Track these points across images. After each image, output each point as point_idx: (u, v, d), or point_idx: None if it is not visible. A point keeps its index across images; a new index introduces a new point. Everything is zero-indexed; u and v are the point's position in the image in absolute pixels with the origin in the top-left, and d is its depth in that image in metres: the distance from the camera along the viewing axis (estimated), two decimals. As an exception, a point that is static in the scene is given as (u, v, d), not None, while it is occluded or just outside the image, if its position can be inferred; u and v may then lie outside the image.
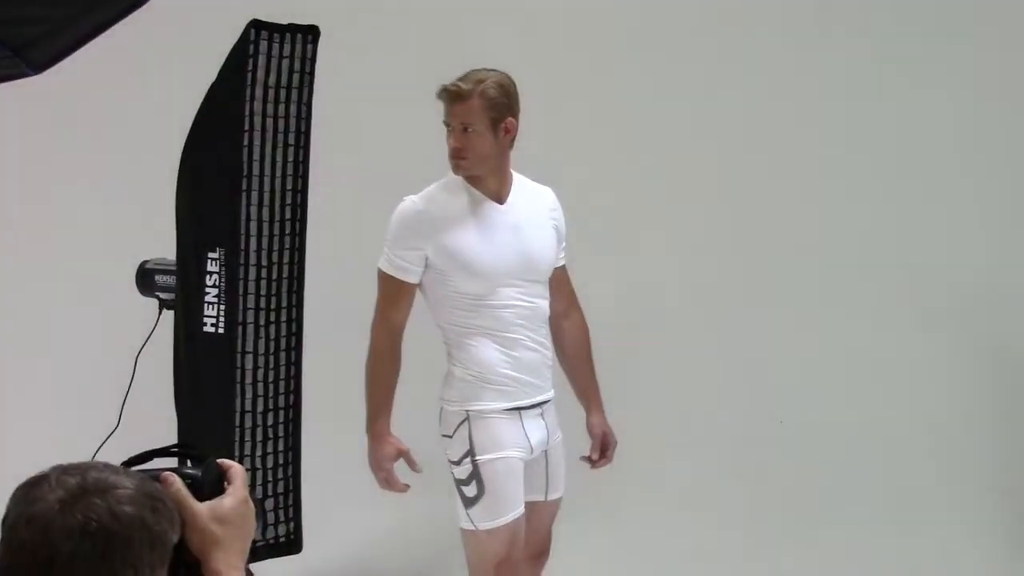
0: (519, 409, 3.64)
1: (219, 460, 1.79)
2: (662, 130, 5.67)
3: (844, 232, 5.59)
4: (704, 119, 5.64)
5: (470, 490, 3.59)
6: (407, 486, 3.72)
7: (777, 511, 5.29)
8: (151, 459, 1.79)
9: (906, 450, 5.36)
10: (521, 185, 3.74)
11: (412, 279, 3.64)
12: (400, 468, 3.70)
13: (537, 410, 3.70)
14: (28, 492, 1.60)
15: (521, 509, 3.61)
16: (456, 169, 3.65)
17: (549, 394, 3.75)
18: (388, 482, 3.69)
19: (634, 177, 5.65)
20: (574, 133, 5.59)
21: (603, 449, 3.93)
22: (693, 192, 5.66)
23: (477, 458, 3.57)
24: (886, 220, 5.56)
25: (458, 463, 3.61)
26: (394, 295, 3.64)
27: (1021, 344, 5.32)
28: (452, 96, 3.59)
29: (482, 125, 3.58)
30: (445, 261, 3.59)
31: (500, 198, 3.67)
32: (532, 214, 3.72)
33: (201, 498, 1.75)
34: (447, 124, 3.64)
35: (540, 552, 3.89)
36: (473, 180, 3.65)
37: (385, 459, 3.67)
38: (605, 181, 5.59)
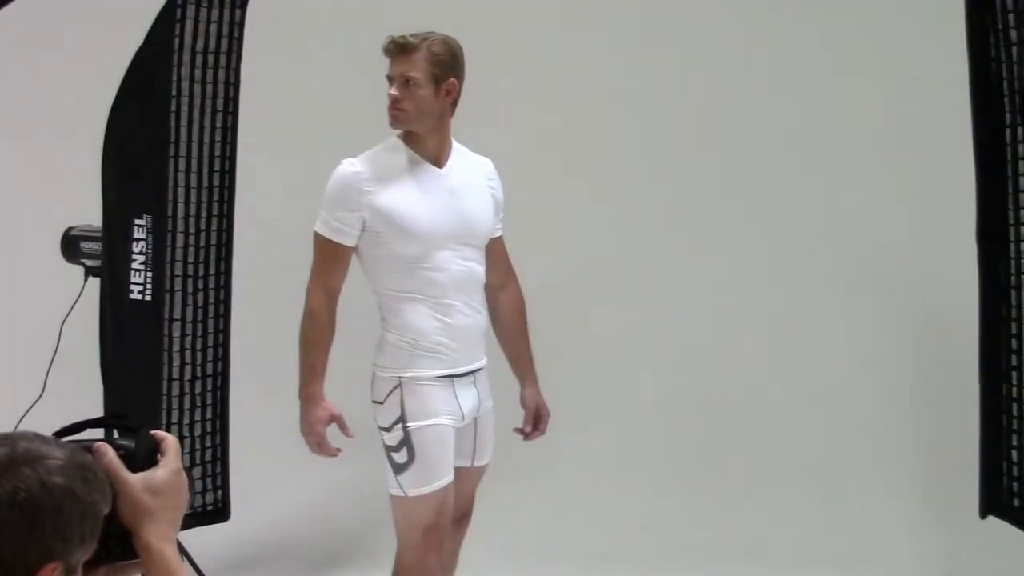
0: (452, 377, 3.63)
1: (152, 431, 1.78)
2: (603, 104, 5.69)
3: (768, 205, 5.61)
4: (646, 94, 5.67)
5: (400, 456, 3.58)
6: (339, 450, 3.69)
7: (704, 479, 5.34)
8: (84, 430, 1.77)
9: (830, 419, 5.43)
10: (460, 152, 3.74)
11: (349, 242, 3.61)
12: (332, 433, 3.67)
13: (470, 378, 3.69)
14: None
15: (450, 476, 3.62)
16: (393, 122, 3.63)
17: (482, 362, 3.74)
18: (320, 446, 3.66)
19: (570, 151, 5.68)
20: (514, 105, 5.60)
21: (536, 421, 3.94)
22: (626, 166, 5.69)
23: (408, 425, 3.56)
24: (810, 193, 5.60)
25: (388, 429, 3.60)
26: (330, 259, 3.62)
27: (942, 312, 5.36)
28: (398, 47, 3.59)
29: (424, 79, 3.57)
30: (381, 223, 3.57)
31: (439, 161, 3.66)
32: (470, 180, 3.72)
33: (134, 470, 1.73)
34: (389, 78, 3.62)
35: (462, 515, 3.88)
36: (412, 142, 3.64)
37: (318, 423, 3.63)
38: (542, 155, 5.60)
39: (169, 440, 1.79)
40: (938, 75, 4.91)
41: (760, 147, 5.61)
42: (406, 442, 3.56)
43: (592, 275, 5.65)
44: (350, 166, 3.59)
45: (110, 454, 1.71)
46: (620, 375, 5.56)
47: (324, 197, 3.62)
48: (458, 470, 3.71)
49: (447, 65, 3.60)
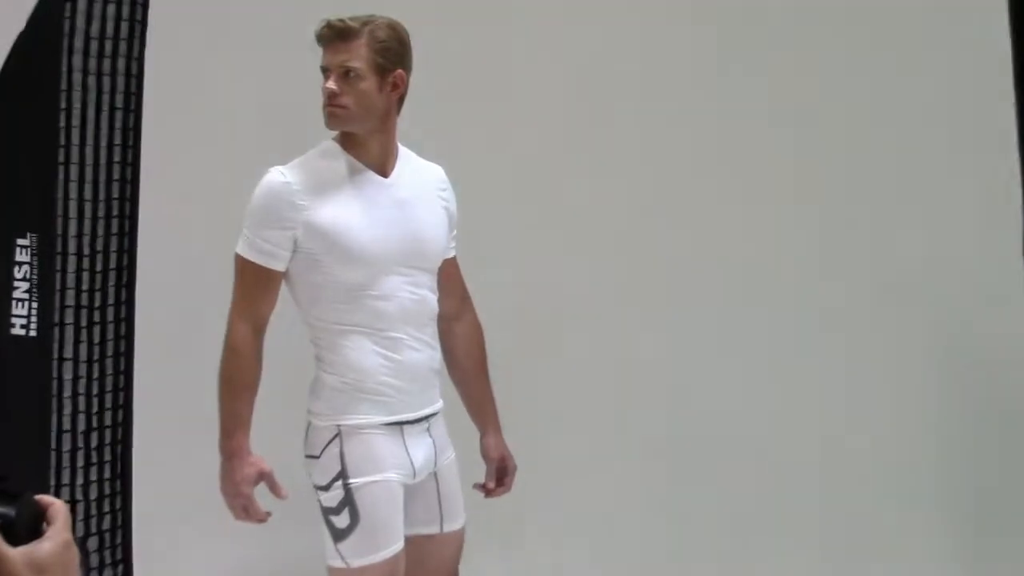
0: (400, 424, 3.41)
1: (37, 496, 1.64)
2: (577, 96, 5.45)
3: (766, 231, 5.40)
4: (613, 112, 5.44)
5: (341, 520, 3.34)
6: (268, 514, 3.45)
7: (704, 537, 5.19)
8: None
9: (847, 465, 5.24)
10: (407, 158, 3.53)
11: (279, 266, 3.39)
12: (259, 493, 3.43)
13: (422, 424, 3.46)
14: None
15: (401, 543, 3.38)
16: (330, 120, 3.39)
17: (437, 406, 3.52)
18: (247, 510, 3.41)
19: (529, 152, 5.44)
20: (465, 102, 5.38)
21: (500, 475, 3.74)
22: (602, 169, 5.44)
23: (350, 481, 3.33)
24: (813, 217, 5.39)
25: (326, 488, 3.36)
26: (256, 285, 3.40)
27: (964, 343, 5.23)
28: (335, 33, 3.36)
29: (367, 70, 3.36)
30: (318, 242, 3.34)
31: (384, 170, 3.45)
32: (420, 190, 3.51)
33: (15, 542, 1.59)
34: (324, 70, 3.39)
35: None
36: (351, 146, 3.42)
37: (244, 483, 3.38)
38: (496, 159, 5.37)
39: (57, 506, 1.65)
40: (979, 78, 4.85)
41: (751, 177, 5.41)
42: (348, 502, 3.35)
43: (564, 296, 5.40)
44: (280, 176, 3.37)
45: None
46: (601, 415, 5.33)
47: (248, 212, 3.41)
48: (427, 540, 3.54)
49: (394, 53, 3.40)
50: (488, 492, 3.73)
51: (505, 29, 5.41)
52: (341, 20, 3.35)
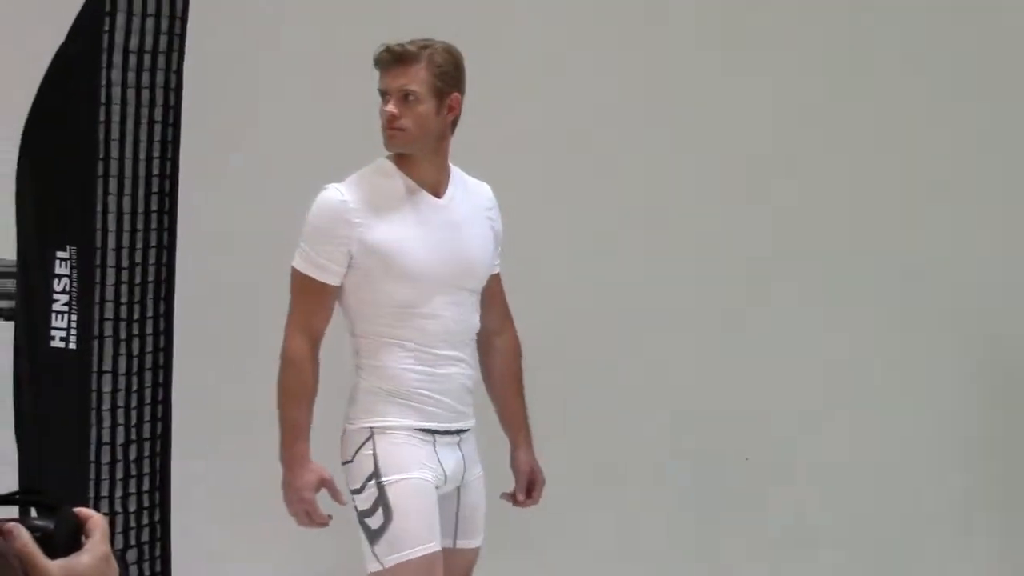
0: (432, 432, 3.45)
1: (76, 509, 1.62)
2: (624, 111, 5.33)
3: (793, 239, 5.28)
4: (671, 102, 5.32)
5: (374, 520, 3.37)
6: (330, 517, 3.51)
7: (729, 545, 5.10)
8: None
9: (889, 490, 5.14)
10: (459, 179, 3.59)
11: (334, 280, 3.46)
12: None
13: (453, 438, 3.49)
14: None
15: (437, 544, 3.39)
16: (390, 142, 3.47)
17: (469, 422, 3.56)
18: (310, 516, 3.47)
19: (575, 169, 5.33)
20: (507, 116, 5.28)
21: (529, 488, 3.76)
22: (649, 186, 5.32)
23: (383, 479, 3.37)
24: (841, 223, 5.26)
25: (360, 490, 3.41)
26: (312, 299, 3.47)
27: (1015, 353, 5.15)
28: (395, 57, 3.43)
29: (426, 94, 3.43)
30: (374, 260, 3.42)
31: (438, 191, 3.52)
32: (471, 212, 3.58)
33: (54, 555, 1.56)
34: (383, 92, 3.46)
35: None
36: (407, 166, 3.48)
37: (306, 488, 3.44)
38: (538, 176, 5.26)
39: (95, 519, 1.62)
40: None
41: (794, 178, 5.29)
42: (381, 501, 3.38)
43: (603, 317, 5.28)
44: (337, 193, 3.45)
45: (24, 537, 1.54)
46: (632, 435, 5.21)
47: (305, 228, 3.50)
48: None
49: (451, 78, 3.48)
50: (516, 502, 3.75)
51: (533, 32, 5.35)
52: (401, 45, 3.41)
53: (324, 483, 3.48)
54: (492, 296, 3.65)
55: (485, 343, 3.65)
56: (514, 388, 3.75)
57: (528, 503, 3.77)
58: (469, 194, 3.60)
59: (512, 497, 3.75)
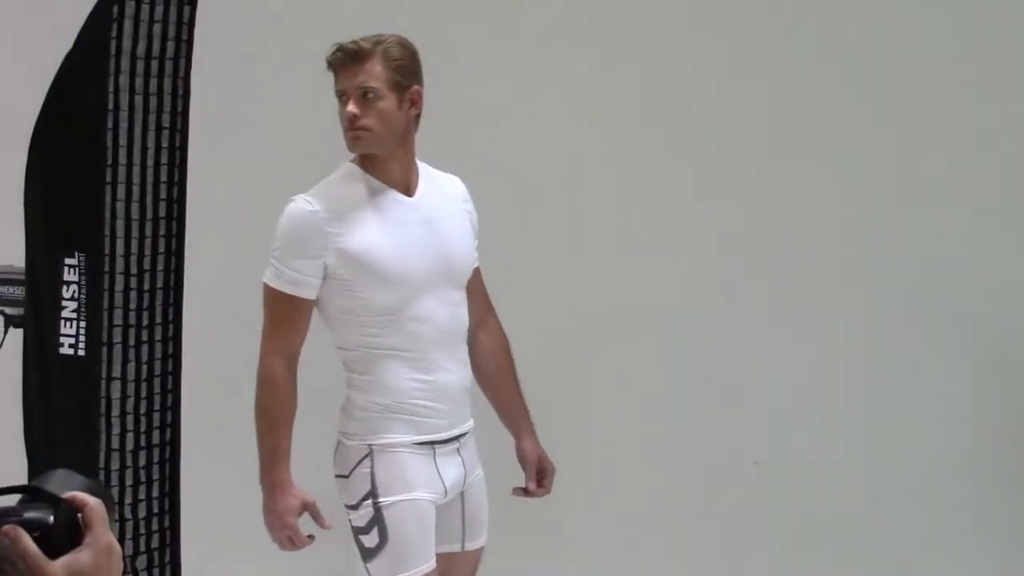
0: (432, 443, 3.40)
1: (69, 494, 1.60)
2: (608, 100, 5.32)
3: (812, 235, 5.27)
4: (669, 96, 5.30)
5: (370, 539, 3.34)
6: (312, 537, 3.45)
7: (749, 559, 5.10)
8: None
9: (914, 499, 5.12)
10: (427, 174, 3.51)
11: (309, 295, 3.37)
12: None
13: (453, 445, 3.45)
14: None
15: (432, 563, 3.37)
16: (354, 144, 3.37)
17: (468, 425, 3.51)
18: (292, 540, 3.42)
19: (550, 153, 5.31)
20: (483, 112, 5.26)
21: (539, 477, 3.68)
22: (637, 173, 5.31)
23: (380, 500, 3.33)
24: (850, 226, 5.24)
25: (356, 507, 3.36)
26: (287, 316, 3.39)
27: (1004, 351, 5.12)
28: (349, 55, 3.34)
29: (385, 89, 3.34)
30: (350, 269, 3.34)
31: (408, 189, 3.43)
32: (445, 206, 3.50)
33: (54, 550, 1.56)
34: (341, 94, 3.37)
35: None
36: (373, 168, 3.40)
37: (288, 513, 3.38)
38: (513, 163, 5.24)
39: (91, 507, 1.60)
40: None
41: (829, 178, 5.26)
42: (376, 521, 3.34)
43: (599, 307, 5.28)
44: (306, 204, 3.35)
45: (24, 539, 1.54)
46: (640, 433, 5.22)
47: (275, 242, 3.40)
48: (447, 557, 3.48)
49: (409, 71, 3.39)
50: (527, 494, 3.68)
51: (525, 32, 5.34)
52: (354, 42, 3.33)
53: (306, 507, 3.42)
54: (473, 290, 3.58)
55: (471, 339, 3.58)
56: (507, 380, 3.68)
57: (540, 492, 3.69)
58: (440, 188, 3.52)
59: (524, 491, 3.68)
